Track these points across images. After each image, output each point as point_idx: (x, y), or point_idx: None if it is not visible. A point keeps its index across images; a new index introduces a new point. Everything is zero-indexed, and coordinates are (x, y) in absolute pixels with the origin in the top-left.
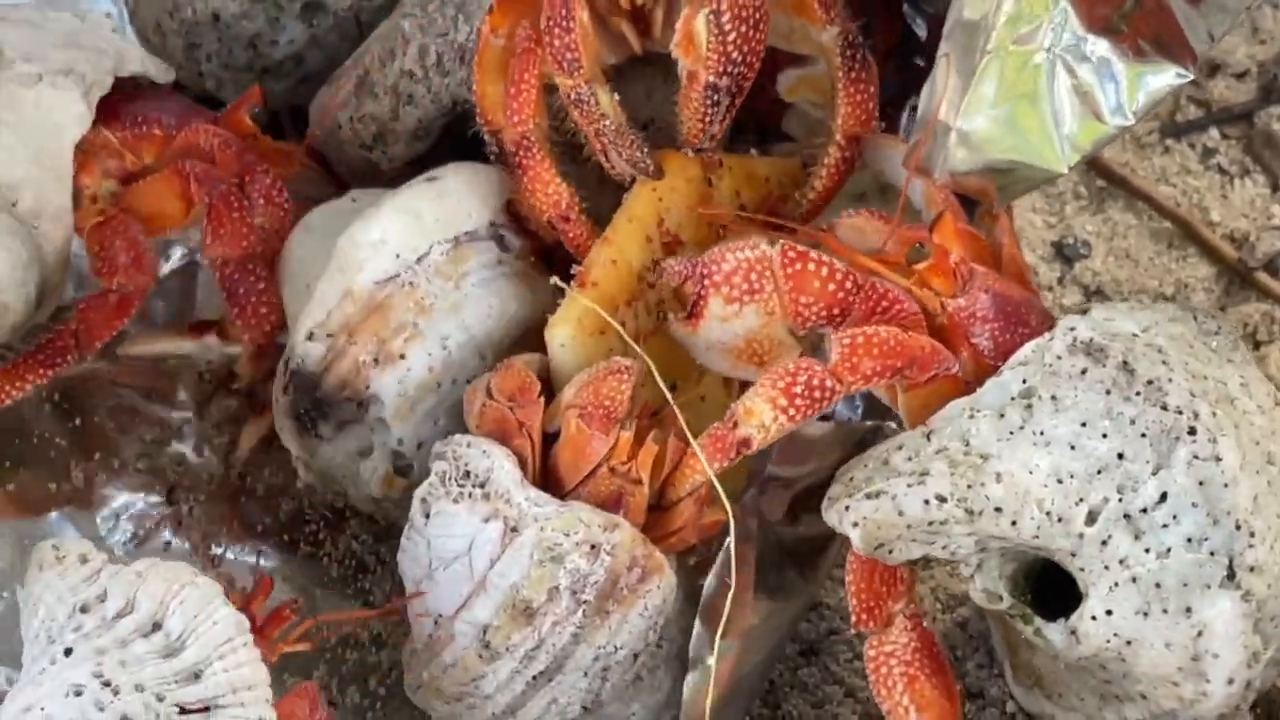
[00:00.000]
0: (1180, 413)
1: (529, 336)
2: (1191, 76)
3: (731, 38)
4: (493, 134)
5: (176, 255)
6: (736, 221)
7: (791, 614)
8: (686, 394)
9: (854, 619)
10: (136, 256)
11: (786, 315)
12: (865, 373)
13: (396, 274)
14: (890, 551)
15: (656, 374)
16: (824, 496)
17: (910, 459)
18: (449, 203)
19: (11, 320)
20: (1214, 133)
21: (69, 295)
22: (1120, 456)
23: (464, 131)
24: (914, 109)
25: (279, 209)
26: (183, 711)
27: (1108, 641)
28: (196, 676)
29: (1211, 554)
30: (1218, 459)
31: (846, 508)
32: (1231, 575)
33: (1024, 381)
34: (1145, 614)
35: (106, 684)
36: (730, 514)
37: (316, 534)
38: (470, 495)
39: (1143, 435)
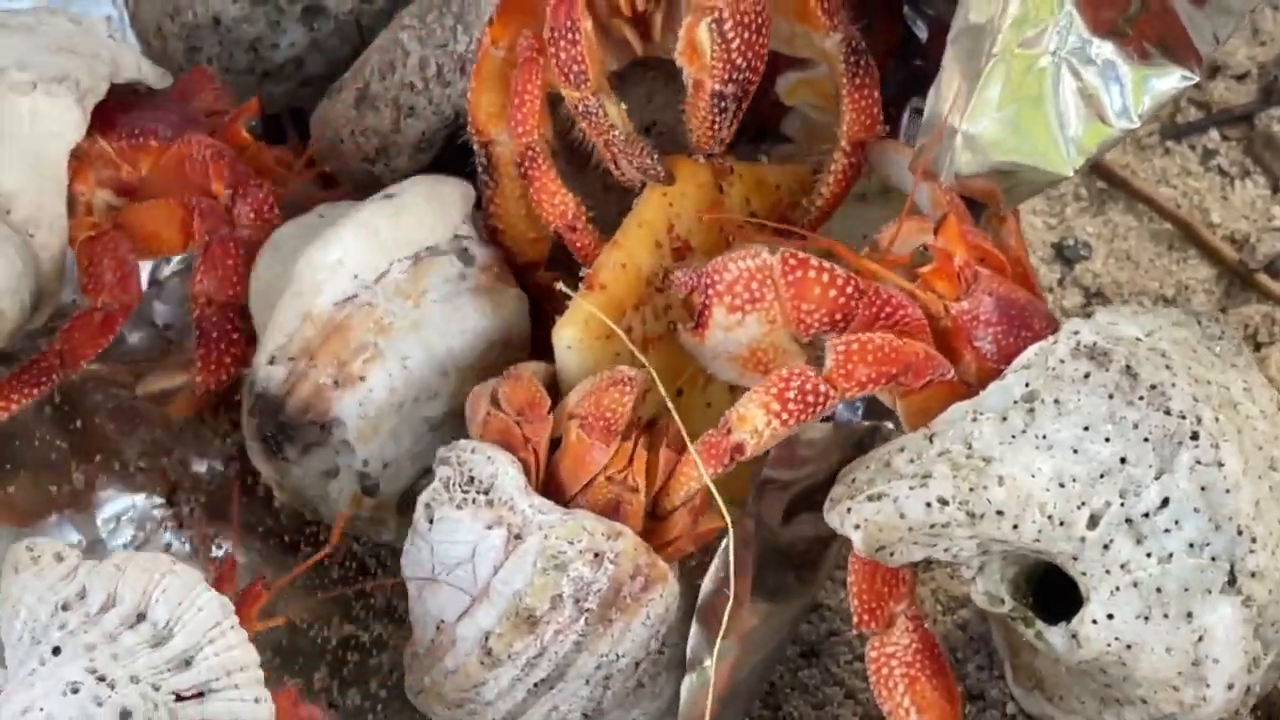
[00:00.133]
0: (1183, 418)
1: (494, 349)
2: (1197, 79)
3: (735, 44)
4: (482, 145)
5: (176, 258)
6: (745, 228)
7: (790, 616)
8: (692, 400)
9: (855, 620)
10: (123, 276)
11: (789, 323)
12: (860, 379)
13: (355, 294)
14: (892, 554)
15: (658, 380)
16: (821, 498)
17: (912, 461)
18: (408, 219)
19: (7, 328)
20: (1214, 134)
21: (67, 298)
22: (1123, 461)
23: (459, 138)
24: (915, 110)
25: (268, 224)
26: (179, 698)
27: (1108, 645)
28: (188, 663)
29: (1213, 559)
30: (1220, 464)
31: (848, 510)
32: (1233, 581)
33: (1027, 385)
34: (1146, 618)
35: (101, 678)
36: (728, 520)
37: (317, 535)
38: (474, 501)
39: (1145, 440)
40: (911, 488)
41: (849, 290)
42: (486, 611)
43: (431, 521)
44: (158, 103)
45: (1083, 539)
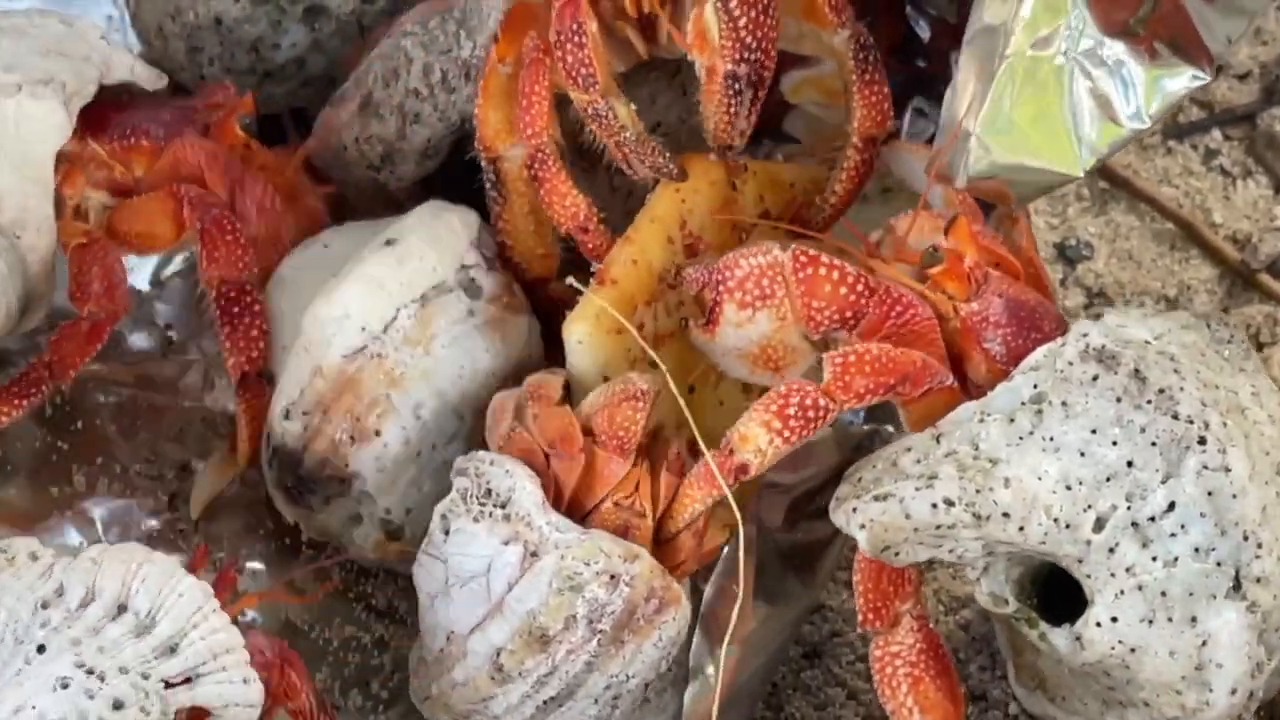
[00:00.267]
0: (1191, 422)
1: (507, 382)
2: (1208, 79)
3: (743, 22)
4: (490, 160)
5: (179, 258)
6: (757, 226)
7: (791, 619)
8: (704, 398)
9: (860, 618)
10: (110, 286)
11: (799, 320)
12: (858, 391)
13: (364, 346)
14: (897, 554)
15: (670, 380)
16: (821, 501)
17: (919, 462)
18: (410, 265)
19: None
20: (1216, 134)
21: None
22: (1129, 464)
23: (463, 150)
24: (917, 110)
25: (272, 216)
26: (168, 685)
27: (1112, 648)
28: (173, 650)
29: (1218, 564)
30: (1227, 469)
31: (854, 509)
32: (1238, 586)
33: (1035, 387)
34: (1150, 622)
35: (90, 671)
36: (739, 521)
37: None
38: (491, 515)
39: (1153, 444)
40: (918, 488)
41: (860, 288)
42: (499, 627)
43: (447, 533)
44: (151, 102)
45: (1088, 542)
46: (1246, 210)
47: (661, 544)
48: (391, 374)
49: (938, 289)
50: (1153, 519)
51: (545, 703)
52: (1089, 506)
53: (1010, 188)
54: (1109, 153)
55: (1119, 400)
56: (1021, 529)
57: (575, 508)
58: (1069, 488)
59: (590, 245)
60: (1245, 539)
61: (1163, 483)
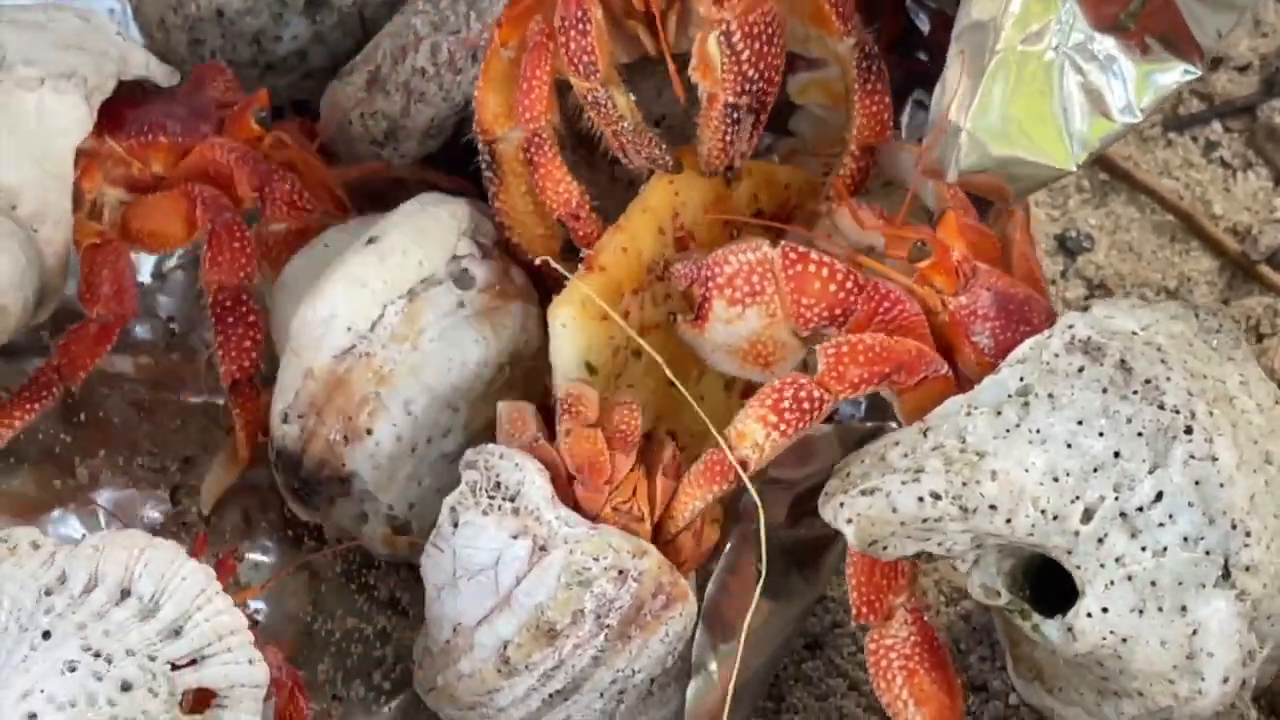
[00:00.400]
0: (1177, 412)
1: (503, 370)
2: (1199, 73)
3: (745, 55)
4: (487, 143)
5: (179, 250)
6: (748, 224)
7: (794, 614)
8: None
9: (854, 612)
10: (120, 289)
11: (788, 316)
12: (852, 381)
13: (352, 345)
14: (885, 548)
15: (664, 364)
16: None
17: (906, 455)
18: (393, 261)
19: (10, 324)
20: (1217, 126)
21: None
22: (1117, 455)
23: (463, 130)
24: (917, 103)
25: (302, 211)
26: (174, 667)
27: (1104, 639)
28: (178, 632)
29: (1207, 553)
30: (1214, 458)
31: (841, 504)
32: (1227, 575)
33: (1021, 379)
34: (1141, 612)
35: (97, 654)
36: (758, 502)
37: (320, 530)
38: (500, 508)
39: (1139, 434)
40: (904, 482)
41: (849, 285)
42: (507, 620)
43: (456, 525)
44: (166, 98)
45: (1077, 533)
46: (1247, 202)
47: (660, 546)
48: (380, 372)
49: (926, 283)
50: (1141, 509)
51: (551, 696)
52: (1077, 498)
53: (1004, 182)
54: (1101, 147)
55: (1105, 391)
56: (1009, 521)
57: (581, 505)
58: (1056, 479)
59: (581, 232)
60: (1233, 528)
61: (1150, 473)
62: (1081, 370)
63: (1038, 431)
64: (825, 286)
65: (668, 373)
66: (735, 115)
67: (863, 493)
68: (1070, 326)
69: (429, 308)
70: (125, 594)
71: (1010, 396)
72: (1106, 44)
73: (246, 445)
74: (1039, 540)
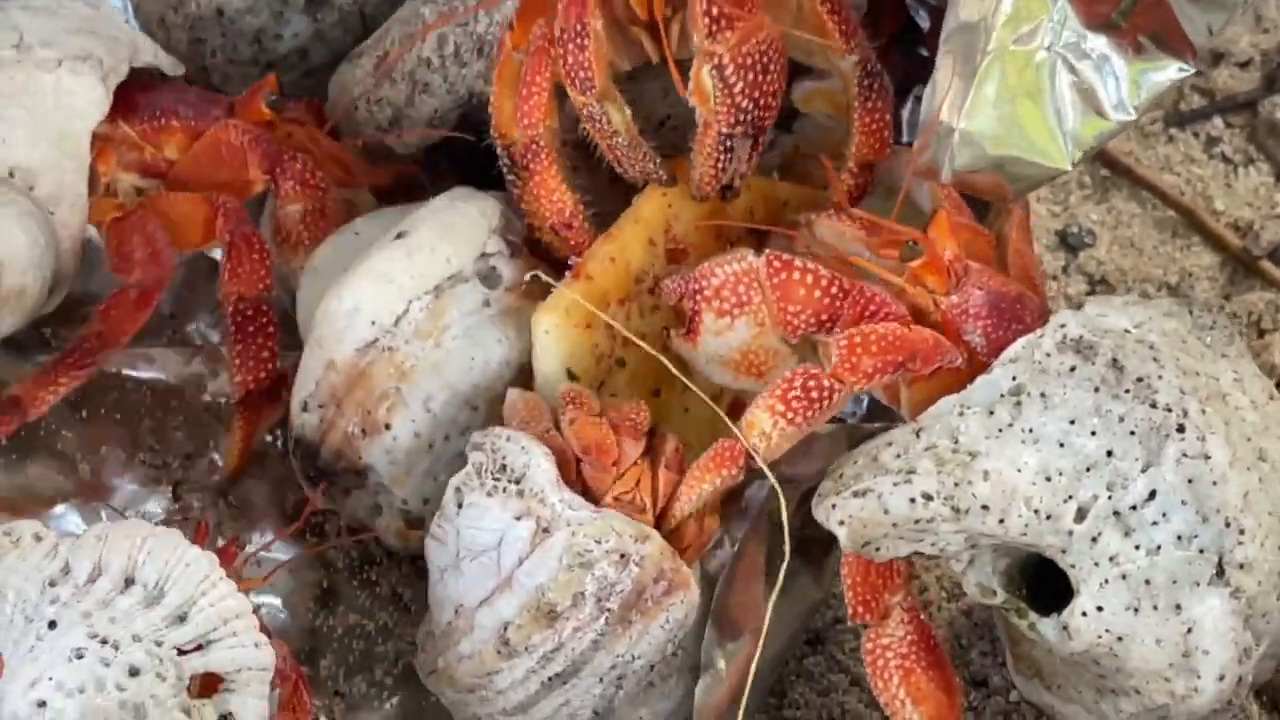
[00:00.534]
0: (1169, 410)
1: (525, 370)
2: (1192, 71)
3: (738, 88)
4: (505, 147)
5: None
6: (744, 234)
7: (800, 613)
8: (670, 403)
9: (850, 612)
10: (154, 252)
11: (776, 325)
12: (866, 371)
13: (375, 339)
14: (877, 549)
15: (670, 365)
16: None
17: (898, 456)
18: (420, 257)
19: (28, 305)
20: (1218, 122)
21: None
22: (1109, 454)
23: (479, 122)
24: (918, 99)
25: (316, 190)
26: (181, 653)
27: (1099, 637)
28: (183, 619)
29: (1201, 551)
30: (1207, 456)
31: (834, 505)
32: (1221, 573)
33: (1013, 379)
34: (1136, 610)
35: (104, 641)
36: (778, 487)
37: (322, 526)
38: (504, 490)
39: (1132, 433)
40: (896, 483)
41: (834, 290)
42: (508, 601)
43: (460, 506)
44: (177, 84)
45: (1070, 532)
46: (1248, 197)
47: (663, 534)
48: (401, 367)
49: (917, 283)
50: (1134, 508)
51: (550, 679)
52: (1070, 497)
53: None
54: (1096, 146)
55: (1097, 390)
56: (1002, 521)
57: (588, 492)
58: (1049, 479)
59: (573, 242)
60: (1227, 525)
61: (1143, 471)
62: (1073, 369)
63: (1030, 431)
64: (810, 293)
65: (668, 365)
66: (728, 144)
67: (855, 494)
68: (1062, 325)
69: (454, 305)
70: (129, 582)
71: (1002, 396)
72: (1098, 43)
73: (240, 458)
74: (1032, 540)
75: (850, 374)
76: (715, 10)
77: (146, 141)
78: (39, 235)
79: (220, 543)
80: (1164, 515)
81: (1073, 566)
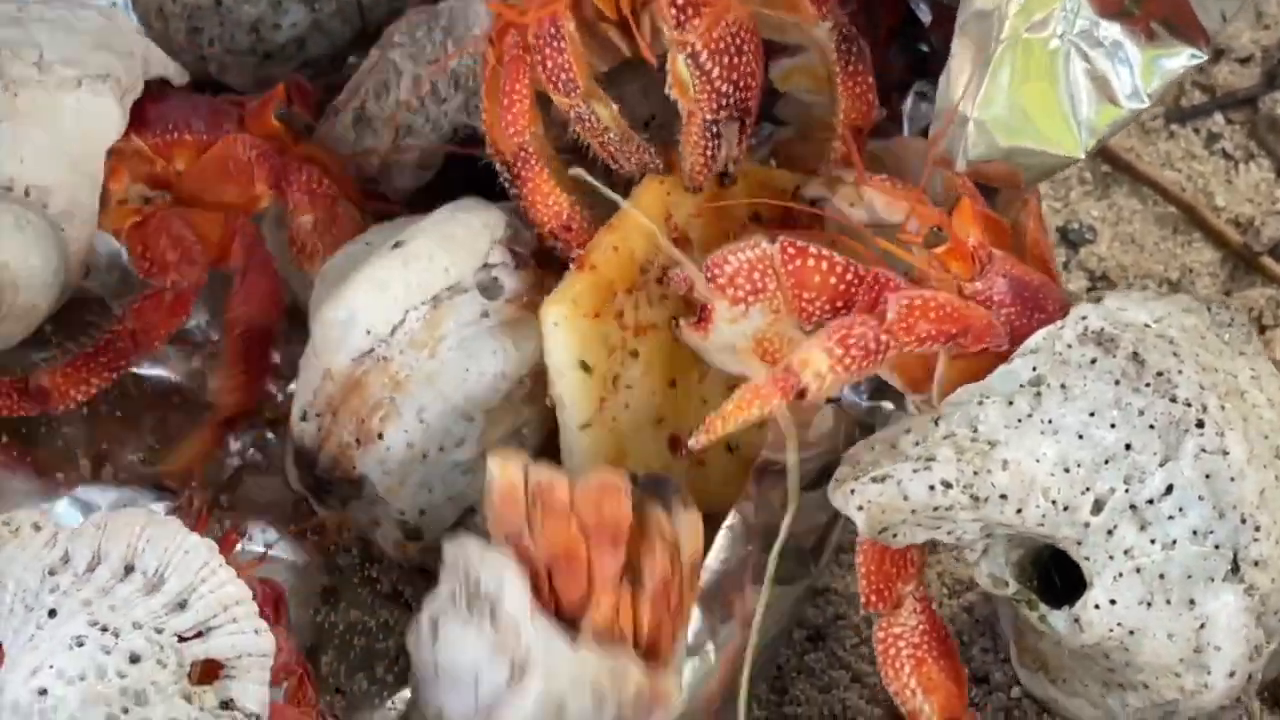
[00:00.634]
0: (1189, 405)
1: (523, 383)
2: (1206, 57)
3: (715, 73)
4: (502, 162)
5: None
6: (746, 224)
7: (791, 599)
8: (687, 393)
9: (863, 600)
10: (185, 251)
11: (791, 311)
12: (920, 334)
13: (371, 349)
14: (895, 535)
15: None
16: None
17: (918, 443)
18: (417, 267)
19: (37, 319)
20: (1219, 118)
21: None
22: (1128, 447)
23: (468, 158)
24: (919, 94)
25: (324, 199)
26: (182, 639)
27: (1111, 630)
28: (183, 605)
29: (1216, 547)
30: (1225, 452)
31: (852, 490)
32: (1236, 569)
33: (1034, 369)
34: (1149, 604)
35: (104, 629)
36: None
37: (323, 524)
38: (479, 617)
39: (1151, 427)
40: (915, 470)
41: (849, 277)
42: None
43: (436, 636)
44: (187, 95)
45: (1086, 524)
46: (1249, 193)
47: (647, 662)
48: (395, 377)
49: (942, 268)
50: (1151, 501)
51: None
52: (1087, 489)
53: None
54: (1109, 133)
55: (1117, 383)
56: (1019, 511)
57: (566, 608)
58: (1067, 470)
59: (575, 243)
60: (1243, 522)
61: (1161, 465)
62: (1094, 361)
63: (1049, 422)
64: (825, 279)
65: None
66: (715, 130)
67: (874, 480)
68: (1083, 318)
69: (451, 316)
70: (129, 570)
71: (1022, 386)
72: (1112, 30)
73: (192, 462)
74: (1049, 531)
75: (904, 333)
76: (681, 0)
77: (158, 155)
78: (52, 255)
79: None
80: (1180, 510)
81: (1087, 559)
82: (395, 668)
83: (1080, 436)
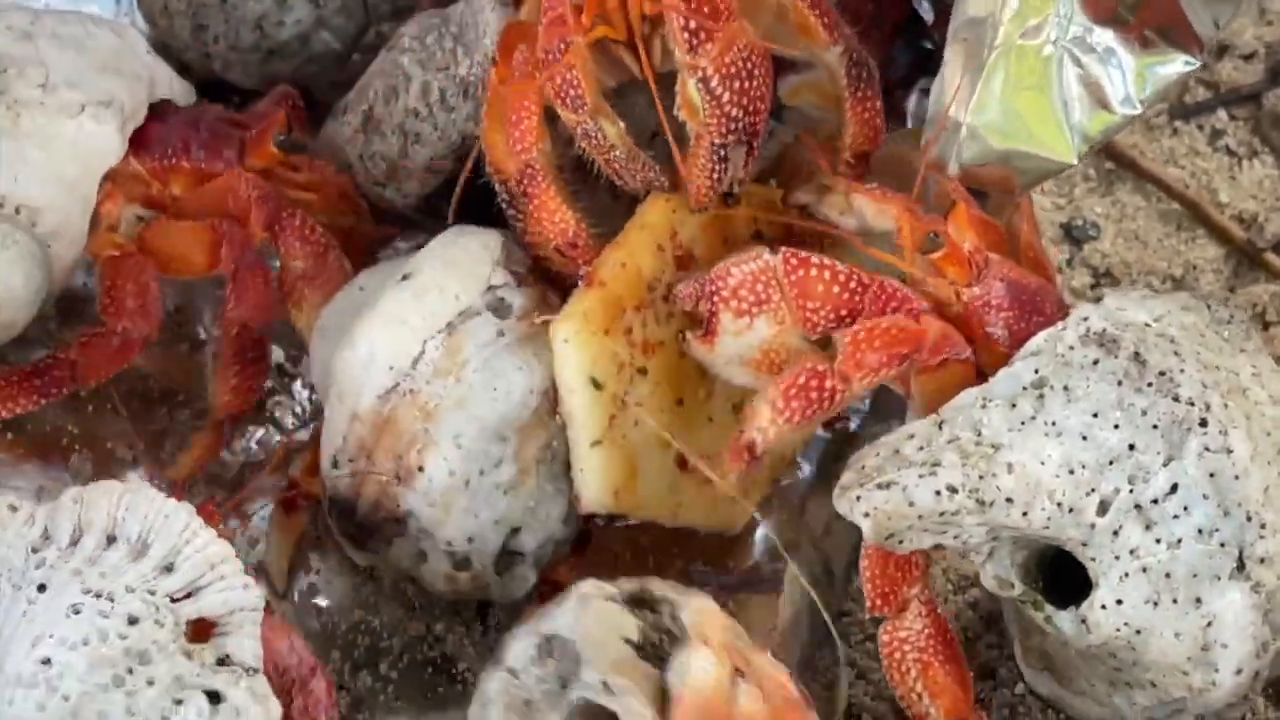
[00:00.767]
0: (1191, 404)
1: (549, 394)
2: (1199, 64)
3: (726, 99)
4: (502, 182)
5: None
6: (749, 238)
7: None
8: (693, 412)
9: (868, 604)
10: (144, 304)
11: (796, 322)
12: (871, 365)
13: (396, 384)
14: (901, 541)
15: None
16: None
17: (922, 449)
18: (429, 297)
19: (15, 333)
20: (1222, 114)
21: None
22: (1131, 447)
23: (476, 167)
24: (923, 91)
25: (316, 246)
26: (174, 600)
27: (1117, 630)
28: (170, 569)
29: (1222, 545)
30: (1229, 451)
31: (857, 497)
32: (1241, 567)
33: (1036, 371)
34: (1155, 604)
35: (99, 595)
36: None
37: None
38: None
39: (1154, 426)
40: (921, 475)
41: (852, 285)
42: None
43: None
44: (189, 117)
45: (1092, 525)
46: (1252, 190)
47: None
48: (425, 408)
49: (938, 275)
50: (1155, 501)
51: None
52: (1092, 490)
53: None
54: (1102, 139)
55: (1120, 383)
56: (1025, 514)
57: None
58: (1072, 472)
59: (580, 261)
60: (1248, 520)
61: (1165, 465)
62: (1096, 363)
63: (1053, 424)
64: (829, 289)
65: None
66: (722, 154)
67: (879, 486)
68: (1085, 319)
69: (469, 340)
70: (112, 539)
71: (1025, 389)
72: (1105, 37)
73: (195, 469)
74: (1054, 533)
75: (856, 370)
76: (694, 24)
77: (155, 178)
78: (35, 274)
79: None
80: (1185, 509)
81: (1093, 560)
82: (399, 665)
83: (1084, 438)
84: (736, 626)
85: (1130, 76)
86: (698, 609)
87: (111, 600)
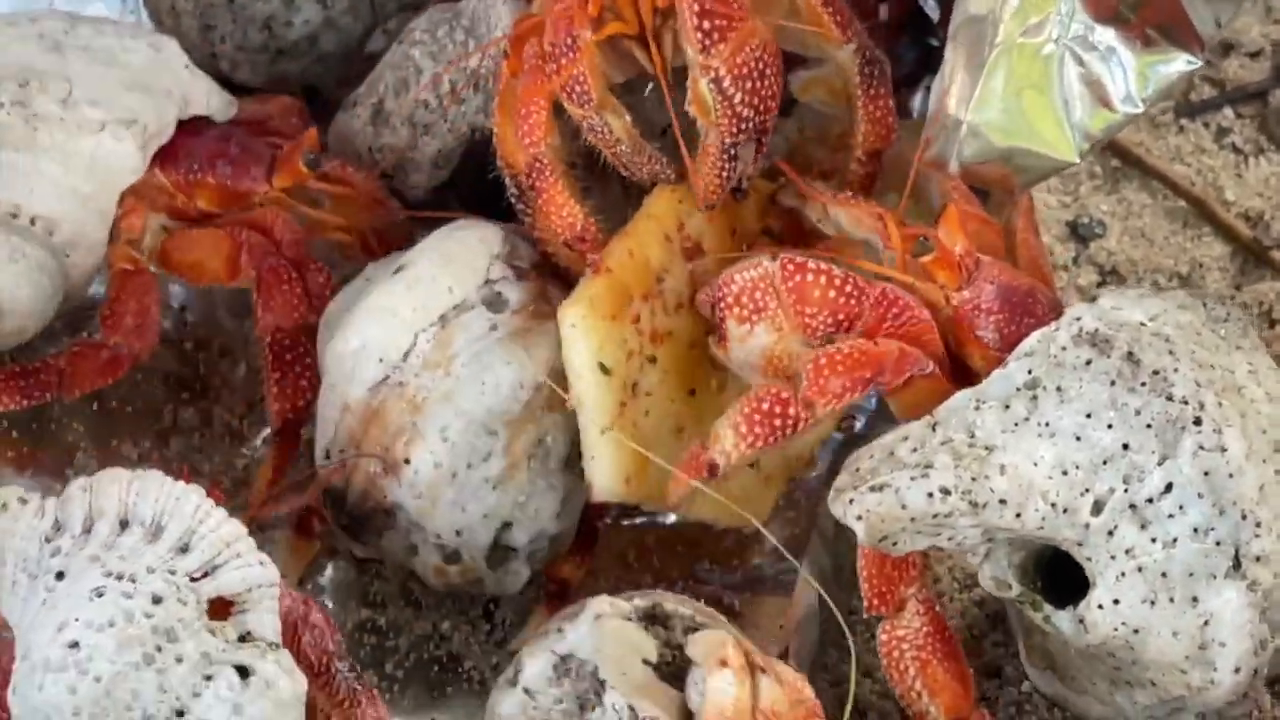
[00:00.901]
0: (1185, 403)
1: (542, 389)
2: (1200, 63)
3: (738, 98)
4: (512, 176)
5: None
6: (758, 235)
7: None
8: (705, 403)
9: (866, 604)
10: (142, 324)
11: (795, 328)
12: (835, 391)
13: (385, 376)
14: (895, 543)
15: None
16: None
17: (915, 450)
18: (422, 289)
19: (24, 339)
20: (1228, 112)
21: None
22: (1125, 447)
23: (485, 156)
24: (929, 89)
25: (292, 314)
26: (193, 579)
27: (1115, 630)
28: (185, 549)
29: (1217, 544)
30: (1223, 449)
31: (850, 500)
32: (1237, 565)
33: (1029, 373)
34: (1152, 603)
35: (120, 577)
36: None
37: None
38: None
39: (1148, 426)
40: (913, 478)
41: (849, 290)
42: None
43: None
44: (221, 132)
45: (1087, 525)
46: (1259, 188)
47: None
48: (414, 401)
49: (928, 279)
50: (1150, 500)
51: None
52: (1086, 490)
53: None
54: (1103, 138)
55: (1113, 383)
56: (1019, 515)
57: None
58: (1065, 472)
59: (589, 255)
60: (1244, 518)
61: (1159, 464)
62: (1089, 363)
63: (1046, 425)
64: (825, 294)
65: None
66: (733, 152)
67: (872, 489)
68: (1077, 319)
69: (460, 333)
70: (125, 524)
71: (1018, 390)
72: (1106, 35)
73: (273, 484)
74: (1049, 533)
75: (819, 396)
76: (707, 24)
77: (179, 191)
78: (47, 284)
79: None
80: (1180, 508)
81: (1089, 560)
82: (404, 664)
83: (1078, 438)
84: (745, 641)
85: (1132, 75)
86: (708, 629)
87: (134, 581)
